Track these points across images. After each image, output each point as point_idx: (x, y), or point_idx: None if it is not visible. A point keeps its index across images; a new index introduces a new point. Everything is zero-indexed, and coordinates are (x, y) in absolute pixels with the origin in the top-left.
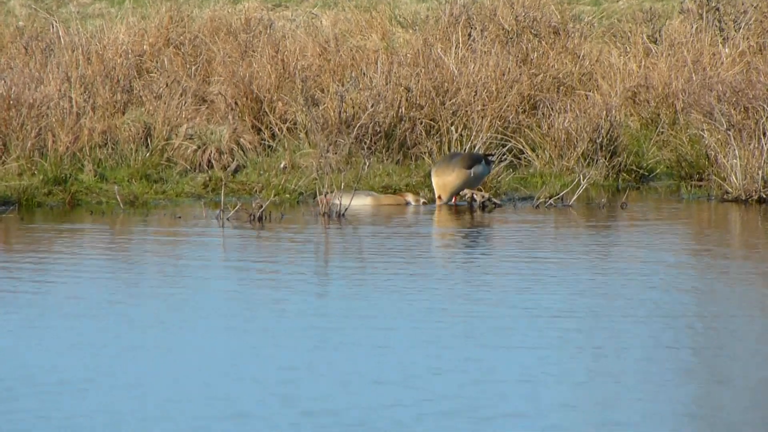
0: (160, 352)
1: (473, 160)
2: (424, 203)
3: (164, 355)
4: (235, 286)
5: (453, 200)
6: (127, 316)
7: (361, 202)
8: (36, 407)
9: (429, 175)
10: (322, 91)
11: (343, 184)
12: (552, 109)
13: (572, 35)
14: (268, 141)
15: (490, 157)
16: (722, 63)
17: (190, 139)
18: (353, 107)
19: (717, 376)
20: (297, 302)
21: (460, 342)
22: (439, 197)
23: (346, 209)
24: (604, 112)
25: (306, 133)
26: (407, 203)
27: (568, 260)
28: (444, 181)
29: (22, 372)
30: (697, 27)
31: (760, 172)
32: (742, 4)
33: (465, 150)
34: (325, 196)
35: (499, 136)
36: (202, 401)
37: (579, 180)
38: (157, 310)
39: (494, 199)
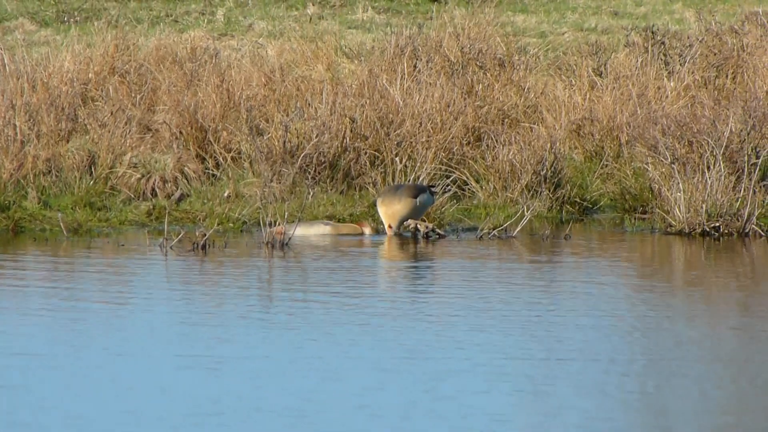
0: (102, 381)
1: (418, 189)
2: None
3: (106, 384)
4: (178, 316)
5: (399, 230)
6: (72, 346)
7: (319, 231)
8: None
9: (374, 205)
10: (267, 120)
11: (287, 213)
12: (496, 141)
13: (518, 67)
14: (212, 170)
15: (433, 188)
16: (667, 97)
17: (134, 167)
18: (298, 137)
19: (656, 419)
20: (240, 331)
21: (403, 378)
22: (389, 226)
23: (290, 239)
24: (549, 145)
25: (250, 162)
26: (362, 233)
27: (511, 294)
28: (392, 210)
29: None
30: (642, 60)
31: (703, 206)
32: (688, 38)
33: (409, 181)
34: (279, 225)
35: (444, 167)
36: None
37: (523, 211)
38: (100, 339)
39: (438, 230)
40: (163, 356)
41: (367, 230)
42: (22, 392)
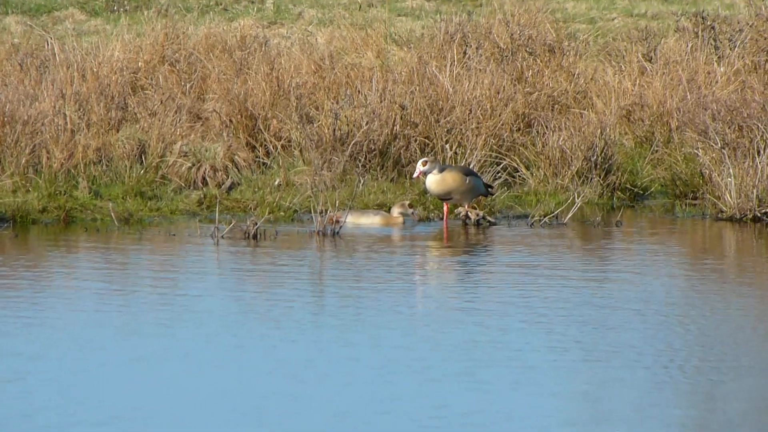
0: (157, 369)
1: (471, 172)
2: (411, 213)
3: (161, 370)
4: (230, 305)
5: (445, 209)
6: (124, 336)
7: (369, 221)
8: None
9: (424, 192)
10: (317, 108)
11: (337, 201)
12: (546, 127)
13: (567, 53)
14: (262, 158)
15: (491, 188)
16: (717, 82)
17: (184, 156)
18: (348, 125)
19: (710, 395)
20: (291, 321)
21: (459, 371)
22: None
23: (341, 227)
24: (599, 131)
25: (300, 150)
26: (403, 222)
27: (563, 282)
28: (441, 181)
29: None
30: (692, 45)
31: (754, 191)
32: (738, 22)
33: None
34: (332, 212)
35: (494, 154)
36: (199, 419)
37: (573, 198)
38: (152, 328)
39: (488, 218)
40: (218, 346)
41: (397, 214)
42: (83, 375)
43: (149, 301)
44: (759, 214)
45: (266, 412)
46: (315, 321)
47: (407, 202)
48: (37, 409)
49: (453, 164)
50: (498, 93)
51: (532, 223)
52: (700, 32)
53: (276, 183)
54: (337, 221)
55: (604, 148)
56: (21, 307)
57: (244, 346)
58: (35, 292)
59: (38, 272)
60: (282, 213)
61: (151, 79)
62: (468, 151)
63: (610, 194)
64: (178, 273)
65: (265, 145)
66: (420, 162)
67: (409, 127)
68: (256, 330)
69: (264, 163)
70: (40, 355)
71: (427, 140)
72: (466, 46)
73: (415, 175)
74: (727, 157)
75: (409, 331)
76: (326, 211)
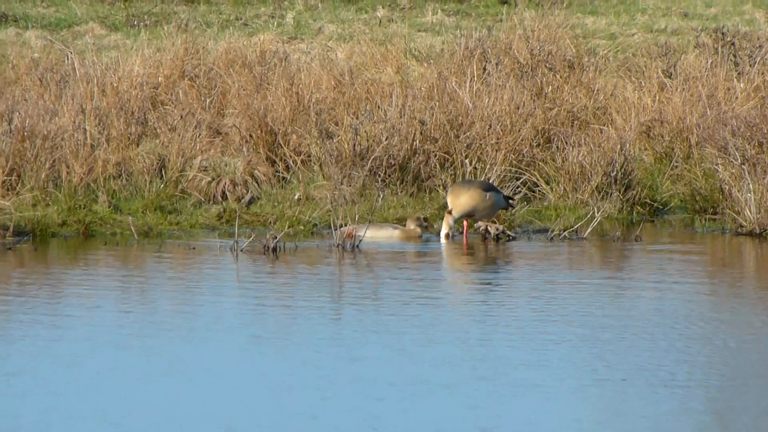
0: (176, 384)
1: (491, 187)
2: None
3: (181, 386)
4: (249, 318)
5: (465, 224)
6: (143, 349)
7: (387, 234)
8: None
9: (444, 207)
10: (337, 123)
11: (357, 216)
12: (566, 142)
13: (587, 69)
14: (282, 173)
15: (511, 200)
16: (737, 97)
17: (204, 170)
18: (367, 140)
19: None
20: (311, 334)
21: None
22: (450, 212)
23: (360, 241)
24: (619, 146)
25: (320, 165)
26: (421, 236)
27: (583, 297)
28: (459, 199)
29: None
30: (712, 61)
31: None
32: (758, 38)
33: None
34: (349, 226)
35: (514, 169)
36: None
37: (593, 213)
38: (172, 342)
39: (508, 232)
40: (238, 359)
41: (412, 226)
42: (109, 377)
43: (169, 315)
44: None
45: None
46: (334, 334)
47: (421, 216)
48: (62, 418)
49: (473, 179)
50: (518, 108)
51: (552, 238)
52: (720, 48)
53: (296, 197)
54: (351, 235)
55: (623, 163)
56: (40, 320)
57: (265, 358)
58: (54, 305)
59: (58, 286)
60: (301, 227)
61: (171, 94)
62: (488, 167)
63: (629, 209)
64: (197, 287)
65: (285, 160)
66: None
67: (428, 143)
68: (275, 343)
69: (284, 178)
70: (58, 371)
71: (446, 155)
72: (486, 61)
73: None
74: (746, 172)
75: (431, 343)
76: (345, 225)
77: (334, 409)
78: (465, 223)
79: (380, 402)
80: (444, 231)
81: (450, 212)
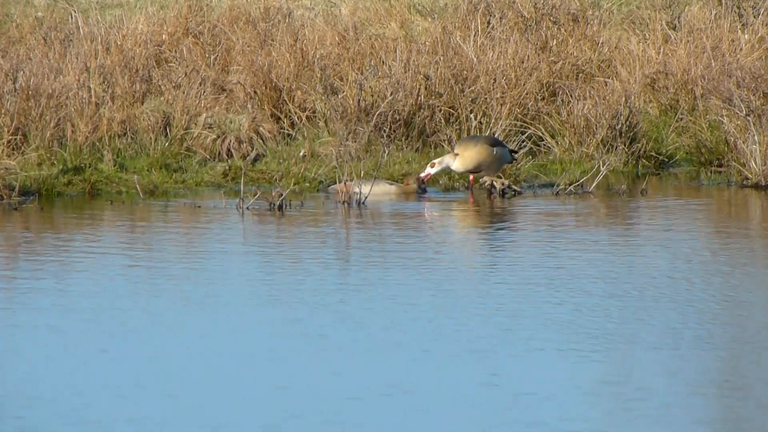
0: (185, 340)
1: (498, 142)
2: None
3: (191, 340)
4: (256, 275)
5: (471, 180)
6: (148, 309)
7: (383, 190)
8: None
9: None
10: (341, 79)
11: (363, 172)
12: (571, 96)
13: (591, 22)
14: (287, 130)
15: (515, 153)
16: (741, 49)
17: (209, 128)
18: (372, 95)
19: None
20: (318, 290)
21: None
22: (432, 165)
23: (366, 197)
24: (624, 99)
25: (325, 121)
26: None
27: (589, 252)
28: (465, 152)
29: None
30: (716, 13)
31: None
32: None
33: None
34: (344, 183)
35: (519, 123)
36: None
37: (599, 167)
38: (178, 300)
39: (514, 186)
40: (245, 317)
41: (411, 183)
42: (117, 339)
43: (175, 274)
44: None
45: (293, 385)
46: (340, 291)
47: (422, 177)
48: (65, 387)
49: (478, 134)
50: (522, 62)
51: (558, 192)
52: (723, 0)
53: (301, 154)
54: (345, 192)
55: (628, 116)
56: (47, 280)
57: (271, 318)
58: (61, 265)
59: (64, 245)
60: (307, 184)
61: (175, 52)
62: (493, 121)
63: (635, 162)
64: (203, 244)
65: (290, 117)
66: (428, 165)
67: (433, 97)
68: (283, 300)
69: (289, 135)
70: (65, 328)
71: (451, 110)
72: (490, 15)
73: (423, 174)
74: (752, 124)
75: (438, 300)
76: (350, 181)
77: (345, 364)
78: (471, 177)
79: (388, 357)
80: (422, 174)
81: (432, 165)
